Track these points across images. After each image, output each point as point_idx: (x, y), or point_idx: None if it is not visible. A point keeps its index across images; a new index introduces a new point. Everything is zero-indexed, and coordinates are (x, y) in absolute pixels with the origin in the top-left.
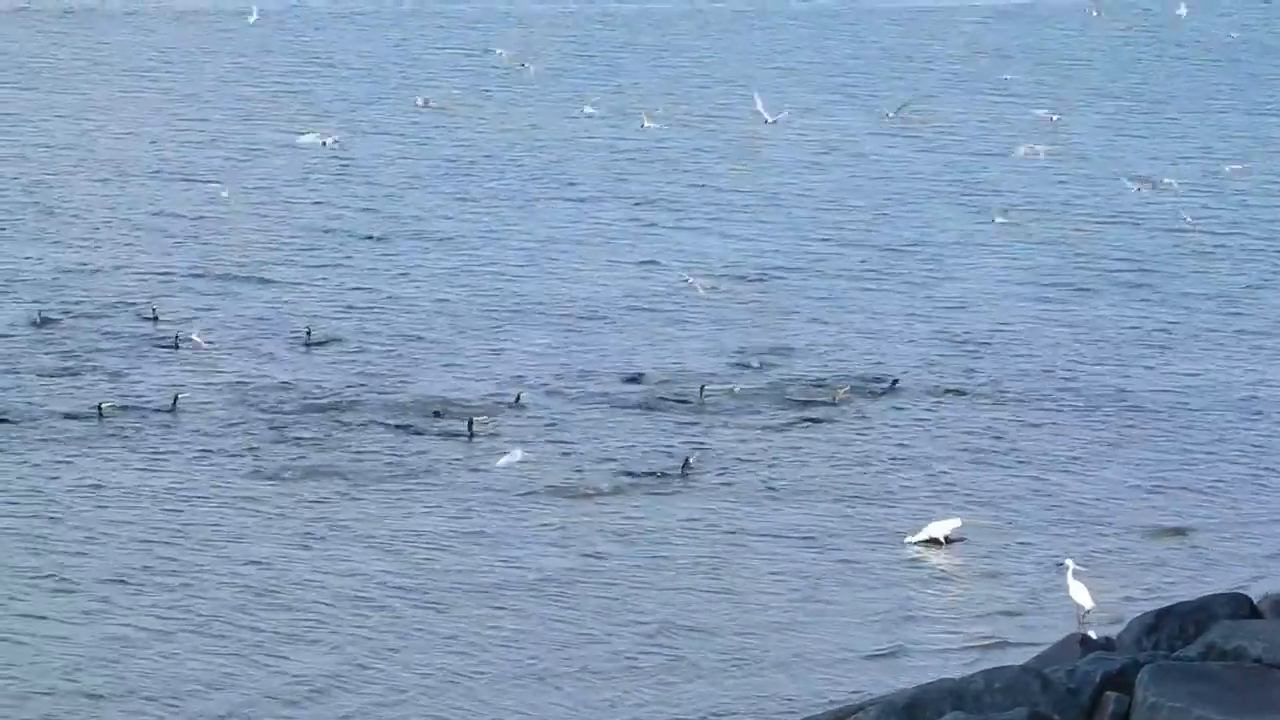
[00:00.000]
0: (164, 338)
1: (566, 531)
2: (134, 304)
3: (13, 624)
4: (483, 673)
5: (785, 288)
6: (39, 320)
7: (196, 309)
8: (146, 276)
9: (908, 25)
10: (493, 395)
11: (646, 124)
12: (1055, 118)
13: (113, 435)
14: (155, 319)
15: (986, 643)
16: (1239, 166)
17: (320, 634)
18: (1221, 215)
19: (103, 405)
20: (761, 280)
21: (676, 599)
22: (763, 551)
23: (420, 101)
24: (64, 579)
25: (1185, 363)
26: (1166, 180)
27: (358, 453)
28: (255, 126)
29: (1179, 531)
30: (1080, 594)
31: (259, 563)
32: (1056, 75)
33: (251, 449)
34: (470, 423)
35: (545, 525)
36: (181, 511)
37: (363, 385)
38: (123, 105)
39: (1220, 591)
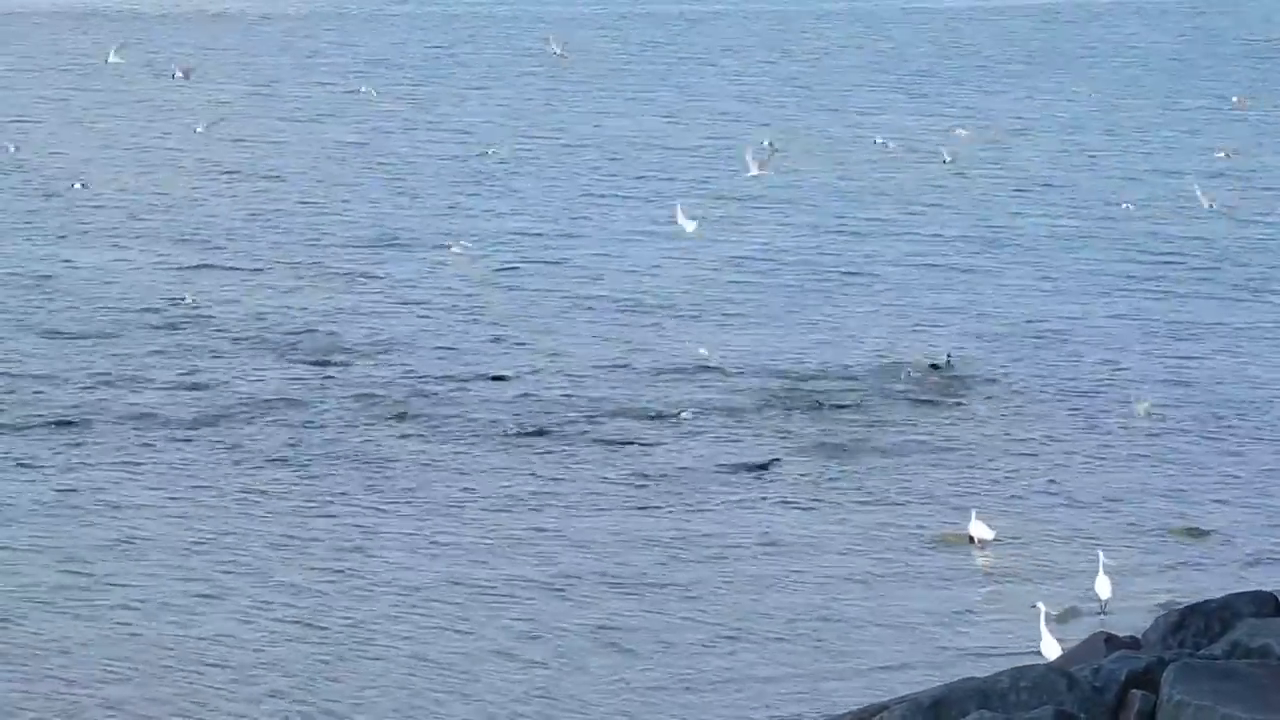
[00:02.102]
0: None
1: (632, 528)
2: (217, 301)
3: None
4: (546, 663)
5: (840, 280)
6: (98, 324)
7: (267, 304)
8: (211, 273)
9: (951, 22)
10: (567, 391)
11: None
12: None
13: (179, 437)
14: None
15: (1012, 640)
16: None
17: (410, 630)
18: (1264, 209)
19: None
20: (827, 273)
21: (711, 595)
22: (794, 548)
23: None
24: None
25: (1214, 359)
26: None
27: (432, 450)
28: (313, 126)
29: (1204, 530)
30: (1102, 586)
31: (364, 557)
32: (1113, 71)
33: (340, 445)
34: None
35: (609, 521)
36: (260, 506)
37: (433, 381)
38: (185, 105)
39: (1245, 589)
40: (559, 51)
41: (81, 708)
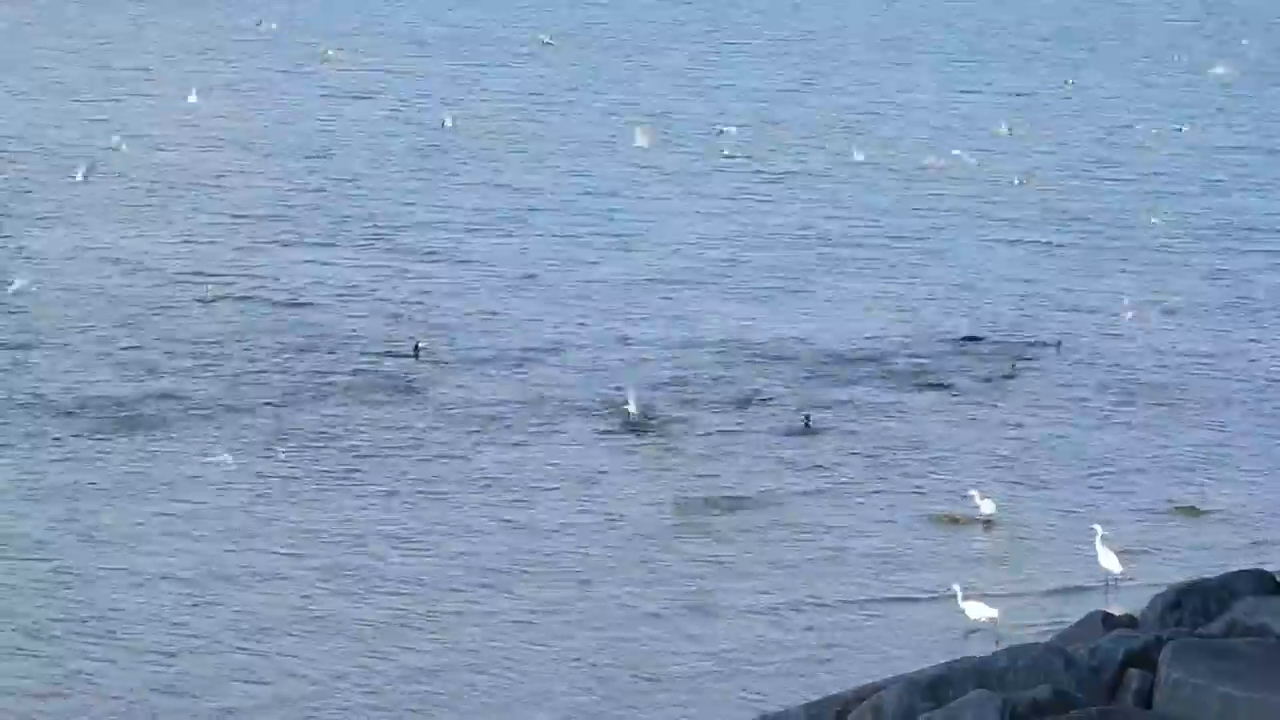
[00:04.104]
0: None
1: (646, 504)
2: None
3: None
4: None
5: (865, 256)
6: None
7: (314, 285)
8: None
9: (970, 2)
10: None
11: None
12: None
13: (213, 417)
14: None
15: (1010, 620)
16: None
17: (438, 613)
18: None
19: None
20: (852, 249)
21: (715, 574)
22: (797, 526)
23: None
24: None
25: (1214, 339)
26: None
27: (455, 430)
28: (336, 103)
29: (1202, 509)
30: (1108, 560)
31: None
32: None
33: (371, 423)
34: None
35: (627, 496)
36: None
37: (454, 361)
38: (213, 85)
39: (1243, 568)
40: (547, 40)
41: (114, 687)
